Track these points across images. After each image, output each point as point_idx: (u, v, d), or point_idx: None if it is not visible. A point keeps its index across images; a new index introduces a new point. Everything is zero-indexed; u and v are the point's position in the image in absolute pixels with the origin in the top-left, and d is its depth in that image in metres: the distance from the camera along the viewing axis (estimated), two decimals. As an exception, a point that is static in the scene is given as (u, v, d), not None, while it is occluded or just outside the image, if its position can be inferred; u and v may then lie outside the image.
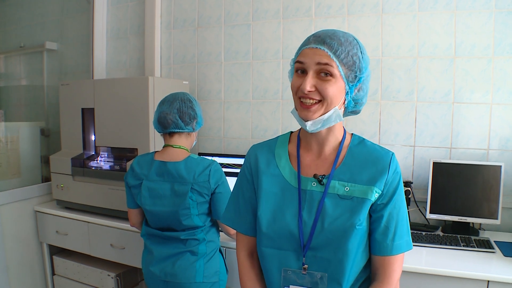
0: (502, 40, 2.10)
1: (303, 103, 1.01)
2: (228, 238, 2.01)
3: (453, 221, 2.13)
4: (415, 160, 2.30)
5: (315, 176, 1.07)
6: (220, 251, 1.87)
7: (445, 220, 2.19)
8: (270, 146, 1.19)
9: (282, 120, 2.59)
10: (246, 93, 2.69)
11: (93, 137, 2.49)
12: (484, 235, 2.07)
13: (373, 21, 2.34)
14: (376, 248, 1.07)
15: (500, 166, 2.02)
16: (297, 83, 1.02)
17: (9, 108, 3.21)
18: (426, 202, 2.15)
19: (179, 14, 2.87)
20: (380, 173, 1.05)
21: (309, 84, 0.98)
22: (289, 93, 2.55)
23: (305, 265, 1.05)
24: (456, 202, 2.09)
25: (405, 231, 1.07)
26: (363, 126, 2.37)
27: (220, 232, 1.92)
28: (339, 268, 1.03)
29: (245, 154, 2.62)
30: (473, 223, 2.14)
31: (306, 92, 0.99)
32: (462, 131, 2.21)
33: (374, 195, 1.04)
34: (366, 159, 1.08)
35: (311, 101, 1.00)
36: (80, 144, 2.50)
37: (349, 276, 1.04)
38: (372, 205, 1.05)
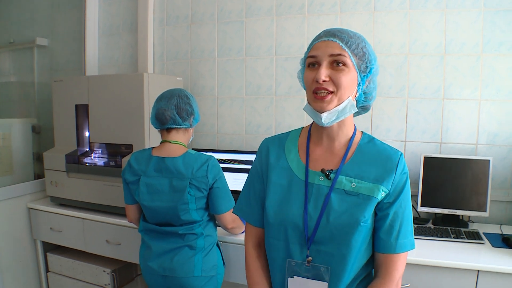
0: (490, 38, 2.16)
1: (317, 95, 1.03)
2: (225, 233, 2.04)
3: (443, 214, 2.19)
4: (406, 155, 2.35)
5: (322, 170, 1.10)
6: (217, 245, 1.90)
7: (435, 213, 2.24)
8: (281, 139, 1.22)
9: (275, 116, 2.61)
10: (240, 90, 2.71)
11: (87, 134, 2.48)
12: (473, 227, 2.14)
13: (365, 19, 2.38)
14: (380, 245, 1.09)
15: (489, 160, 2.09)
16: (311, 76, 1.04)
17: (0, 104, 3.17)
18: (417, 195, 2.20)
19: (172, 10, 2.87)
20: (388, 172, 1.07)
21: (323, 73, 1.00)
22: (282, 90, 2.58)
23: (309, 257, 1.08)
24: (446, 195, 2.15)
25: (409, 230, 1.10)
26: (355, 121, 2.37)
27: (217, 227, 1.94)
28: (342, 263, 1.05)
29: (238, 149, 2.68)
30: (462, 215, 2.19)
31: (321, 82, 1.00)
32: (452, 126, 2.27)
33: (381, 194, 1.06)
34: (375, 157, 1.10)
35: (326, 91, 1.02)
36: (74, 141, 2.49)
37: (350, 271, 1.06)
38: (378, 203, 1.07)
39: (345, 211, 1.05)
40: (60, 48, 3.20)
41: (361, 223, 1.04)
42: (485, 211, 2.08)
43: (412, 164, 2.33)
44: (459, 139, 2.26)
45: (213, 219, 1.89)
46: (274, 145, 1.21)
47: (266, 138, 1.26)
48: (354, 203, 1.06)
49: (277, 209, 1.12)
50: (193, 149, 2.65)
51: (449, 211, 2.14)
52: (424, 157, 2.19)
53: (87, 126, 2.46)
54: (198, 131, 2.83)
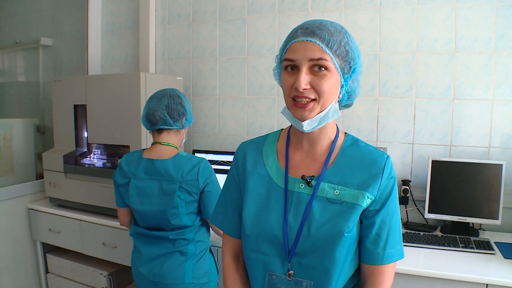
0: (504, 34, 2.03)
1: (297, 103, 0.93)
2: (219, 238, 1.97)
3: (452, 221, 2.07)
4: (413, 158, 2.24)
5: (303, 177, 1.01)
6: (210, 251, 1.83)
7: (444, 220, 2.13)
8: (258, 144, 1.13)
9: (278, 116, 2.53)
10: (241, 89, 2.63)
11: (85, 134, 2.44)
12: (484, 235, 2.01)
13: (371, 15, 2.27)
14: (366, 256, 1.00)
15: (501, 164, 1.96)
16: (290, 82, 0.94)
17: (4, 104, 3.18)
18: (425, 201, 2.09)
19: (173, 8, 2.81)
20: (374, 177, 0.98)
21: (303, 82, 0.90)
22: (285, 89, 2.49)
23: (291, 271, 0.99)
24: (456, 201, 2.03)
25: (397, 239, 1.01)
26: (360, 123, 2.31)
27: (211, 232, 1.87)
28: (326, 276, 0.96)
29: (240, 151, 2.58)
30: (473, 223, 2.07)
31: (301, 90, 0.91)
32: (463, 128, 2.14)
33: (366, 201, 0.97)
34: (359, 161, 1.01)
35: (307, 99, 0.92)
36: (73, 141, 2.46)
37: (336, 285, 0.98)
38: (364, 211, 0.98)
39: (328, 221, 0.96)
40: (64, 47, 3.20)
41: (345, 234, 0.95)
42: (497, 218, 1.95)
43: (419, 168, 2.22)
44: (470, 142, 2.13)
45: (206, 224, 1.82)
46: (251, 150, 1.11)
47: (242, 142, 1.17)
48: (337, 212, 0.97)
49: (255, 220, 1.03)
50: (193, 150, 2.61)
51: (458, 219, 2.02)
52: (432, 161, 2.07)
53: (85, 126, 2.42)
54: (199, 132, 2.77)
